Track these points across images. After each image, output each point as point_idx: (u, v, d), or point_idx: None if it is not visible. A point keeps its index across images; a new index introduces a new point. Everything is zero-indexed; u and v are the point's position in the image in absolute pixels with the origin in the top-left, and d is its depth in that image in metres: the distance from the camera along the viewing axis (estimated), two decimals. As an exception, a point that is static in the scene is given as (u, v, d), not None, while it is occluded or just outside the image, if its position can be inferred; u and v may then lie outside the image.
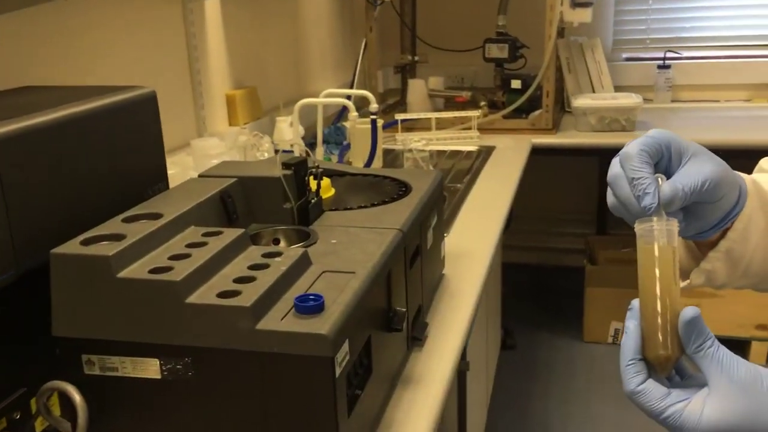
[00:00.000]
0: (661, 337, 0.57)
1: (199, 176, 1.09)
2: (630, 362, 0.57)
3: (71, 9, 1.40)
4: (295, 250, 0.88)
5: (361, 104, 2.14)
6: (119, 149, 0.99)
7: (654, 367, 0.57)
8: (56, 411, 0.85)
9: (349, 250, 0.94)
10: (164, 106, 1.87)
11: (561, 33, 2.80)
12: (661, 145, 0.63)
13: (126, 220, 0.88)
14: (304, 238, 1.00)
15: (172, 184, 1.43)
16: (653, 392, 0.56)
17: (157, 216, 0.89)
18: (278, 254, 0.87)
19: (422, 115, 2.50)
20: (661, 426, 0.56)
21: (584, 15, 2.60)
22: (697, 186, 0.61)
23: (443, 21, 3.16)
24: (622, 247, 2.91)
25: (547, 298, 3.36)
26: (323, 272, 0.87)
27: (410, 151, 2.10)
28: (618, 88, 2.92)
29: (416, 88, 2.86)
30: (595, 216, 3.33)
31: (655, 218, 0.60)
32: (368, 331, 0.87)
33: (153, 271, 0.77)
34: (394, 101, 3.02)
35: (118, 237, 0.82)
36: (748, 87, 3.08)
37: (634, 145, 0.63)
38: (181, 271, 0.77)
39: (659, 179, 0.62)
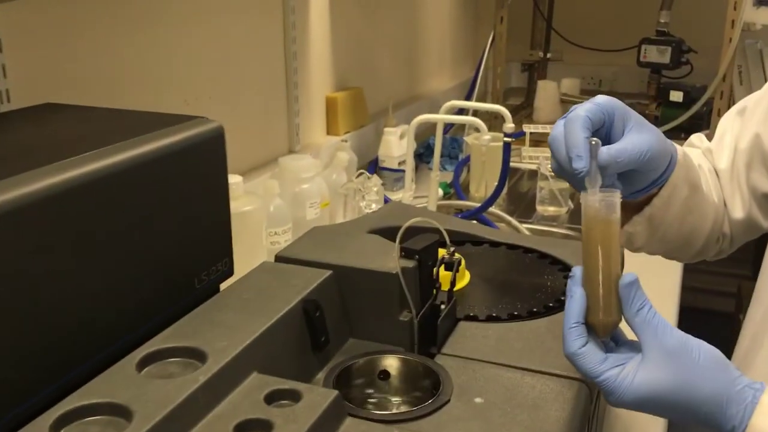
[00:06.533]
0: (602, 303, 0.59)
1: (277, 259, 0.73)
2: (573, 325, 0.58)
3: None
4: (421, 440, 0.51)
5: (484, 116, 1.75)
6: (171, 213, 0.65)
7: (595, 330, 0.59)
8: None
9: (506, 424, 0.56)
10: (250, 116, 1.55)
11: (734, 35, 2.29)
12: (605, 112, 0.64)
13: (143, 363, 0.53)
14: (427, 379, 0.63)
15: (245, 225, 1.09)
16: (592, 356, 0.58)
17: (196, 355, 0.54)
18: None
19: (558, 130, 2.06)
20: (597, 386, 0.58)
21: (770, 14, 2.09)
22: (637, 155, 0.64)
23: (585, 13, 2.67)
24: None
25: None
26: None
27: (546, 178, 1.68)
28: (798, 105, 2.38)
29: (547, 92, 2.41)
30: (753, 255, 2.79)
31: (598, 189, 0.60)
32: None
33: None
34: (517, 104, 2.60)
35: (118, 410, 0.47)
36: None
37: (578, 110, 0.63)
38: None
39: (594, 142, 0.61)
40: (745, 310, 2.70)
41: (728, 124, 0.86)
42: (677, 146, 0.75)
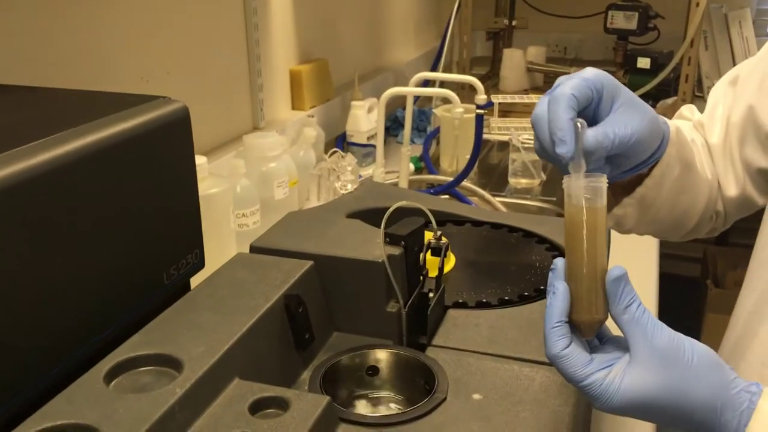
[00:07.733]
0: (587, 299, 0.54)
1: (252, 249, 0.68)
2: (556, 325, 0.53)
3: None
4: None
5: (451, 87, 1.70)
6: (135, 203, 0.59)
7: (579, 329, 0.54)
8: None
9: (509, 423, 0.53)
10: (211, 91, 1.47)
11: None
12: (593, 88, 0.59)
13: (112, 375, 0.48)
14: (420, 373, 0.59)
15: (212, 208, 1.03)
16: (577, 358, 0.53)
17: (171, 363, 0.49)
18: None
19: (528, 99, 2.03)
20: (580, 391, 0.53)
21: (735, -22, 2.08)
22: (624, 139, 0.60)
23: (550, -22, 2.63)
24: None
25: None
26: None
27: (518, 150, 1.65)
28: (760, 70, 2.38)
29: (513, 61, 2.37)
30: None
31: (582, 174, 0.55)
32: None
33: None
34: (483, 74, 2.55)
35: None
36: None
37: (563, 87, 0.58)
38: None
39: (579, 125, 0.56)
40: (713, 275, 2.70)
41: (720, 95, 0.81)
42: (669, 122, 0.71)
